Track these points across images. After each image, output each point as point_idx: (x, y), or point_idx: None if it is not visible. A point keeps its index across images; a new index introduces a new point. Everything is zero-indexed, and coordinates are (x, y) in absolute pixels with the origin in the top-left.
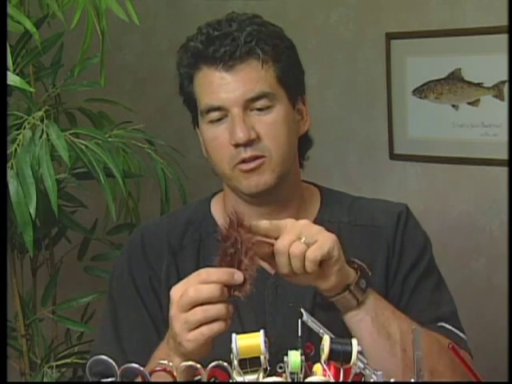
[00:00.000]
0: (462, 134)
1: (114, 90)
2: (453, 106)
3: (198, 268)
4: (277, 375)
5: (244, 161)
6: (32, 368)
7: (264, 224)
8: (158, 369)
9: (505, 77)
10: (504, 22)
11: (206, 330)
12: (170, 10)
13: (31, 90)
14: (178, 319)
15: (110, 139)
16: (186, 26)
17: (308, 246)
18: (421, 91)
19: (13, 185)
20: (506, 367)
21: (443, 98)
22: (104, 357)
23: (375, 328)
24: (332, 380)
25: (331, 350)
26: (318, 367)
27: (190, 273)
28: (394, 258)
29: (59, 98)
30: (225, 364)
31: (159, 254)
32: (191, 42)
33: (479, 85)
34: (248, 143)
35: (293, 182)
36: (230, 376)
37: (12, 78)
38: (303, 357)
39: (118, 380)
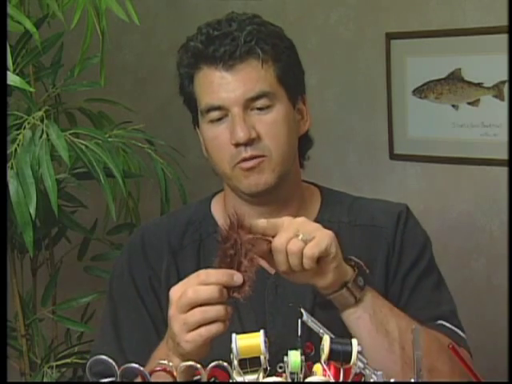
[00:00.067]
0: (462, 134)
1: (114, 90)
2: (453, 106)
3: (198, 268)
4: (277, 375)
5: (244, 160)
6: (32, 368)
7: (261, 223)
8: (157, 369)
9: (505, 77)
10: (504, 22)
11: (204, 331)
12: (170, 10)
13: (31, 89)
14: (177, 320)
15: (110, 139)
16: (186, 26)
17: (305, 243)
18: (421, 91)
19: (13, 185)
20: (506, 367)
21: (443, 98)
22: (104, 357)
23: (373, 325)
24: (332, 380)
25: (331, 350)
26: (318, 367)
27: (190, 273)
28: (393, 257)
29: (59, 98)
30: (225, 364)
31: (159, 254)
32: (191, 42)
33: (479, 85)
34: (248, 142)
35: (293, 182)
36: (230, 376)
37: (12, 78)
38: (303, 357)
39: (118, 380)
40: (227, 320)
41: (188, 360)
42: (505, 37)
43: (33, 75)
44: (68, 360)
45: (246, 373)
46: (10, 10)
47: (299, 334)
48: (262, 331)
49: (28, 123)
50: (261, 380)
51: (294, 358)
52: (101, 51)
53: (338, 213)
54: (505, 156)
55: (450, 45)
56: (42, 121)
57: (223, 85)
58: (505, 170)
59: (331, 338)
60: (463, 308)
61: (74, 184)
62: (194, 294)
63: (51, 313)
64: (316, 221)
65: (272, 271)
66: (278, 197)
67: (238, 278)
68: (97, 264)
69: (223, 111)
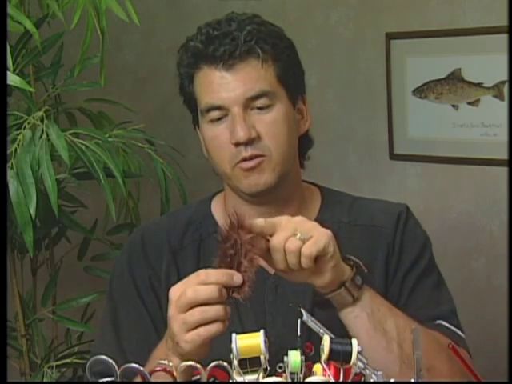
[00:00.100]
0: (462, 134)
1: (114, 90)
2: (453, 106)
3: (198, 268)
4: (277, 375)
5: (244, 159)
6: (32, 368)
7: (259, 222)
8: (157, 369)
9: (505, 77)
10: (504, 22)
11: (203, 331)
12: (170, 10)
13: (31, 89)
14: (176, 319)
15: (110, 139)
16: (186, 26)
17: (303, 241)
18: (421, 91)
19: (13, 185)
20: (506, 367)
21: (443, 98)
22: (104, 357)
23: (371, 324)
24: (332, 380)
25: (331, 350)
26: (318, 367)
27: (190, 273)
28: (393, 257)
29: (59, 98)
30: (225, 364)
31: (159, 254)
32: (191, 42)
33: (479, 85)
34: (248, 142)
35: (293, 182)
36: (230, 376)
37: (12, 78)
38: (303, 357)
39: (118, 380)
40: (226, 320)
41: (187, 360)
42: (505, 37)
43: (33, 75)
44: (68, 360)
45: (246, 373)
46: (10, 9)
47: (299, 333)
48: (262, 331)
49: (28, 123)
50: (261, 380)
51: (294, 357)
52: (101, 51)
53: (338, 213)
54: (505, 156)
55: (450, 45)
56: (42, 121)
57: (223, 84)
58: (505, 170)
59: (331, 338)
60: (463, 308)
61: (74, 184)
62: (194, 293)
63: (51, 313)
64: (316, 221)
65: (272, 271)
66: (278, 197)
67: (237, 278)
68: (97, 264)
69: (223, 111)
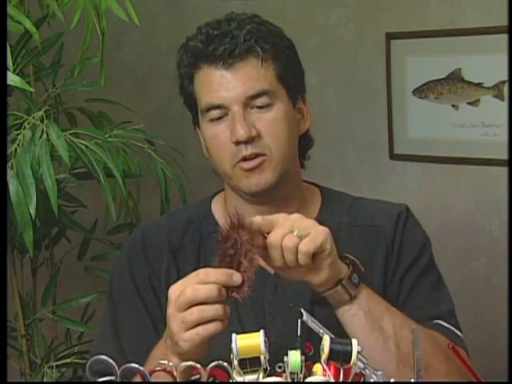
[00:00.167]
0: (462, 134)
1: (114, 90)
2: (453, 106)
3: (198, 267)
4: (276, 375)
5: (245, 158)
6: (32, 368)
7: (257, 219)
8: (157, 369)
9: (505, 77)
10: (504, 22)
11: (202, 331)
12: (170, 10)
13: (31, 89)
14: (175, 318)
15: (110, 139)
16: (186, 26)
17: (300, 238)
18: (421, 91)
19: (13, 185)
20: (506, 367)
21: (443, 98)
22: (104, 357)
23: (368, 323)
24: (332, 380)
25: (331, 350)
26: (318, 367)
27: (190, 272)
28: (392, 256)
29: (59, 98)
30: (225, 364)
31: (159, 253)
32: (191, 42)
33: (479, 85)
34: (249, 140)
35: (293, 182)
36: (229, 376)
37: (12, 78)
38: (303, 357)
39: (118, 380)
40: (225, 319)
41: (186, 359)
42: (505, 37)
43: (33, 75)
44: (68, 360)
45: (246, 373)
46: (10, 10)
47: (299, 334)
48: (262, 331)
49: (28, 123)
50: (261, 380)
51: (294, 357)
52: (101, 51)
53: (338, 213)
54: (505, 156)
55: (450, 45)
56: (42, 121)
57: (223, 83)
58: (505, 170)
59: (331, 338)
60: (463, 308)
61: (74, 184)
62: (193, 292)
63: (51, 313)
64: (316, 221)
65: (271, 271)
66: (278, 196)
67: (237, 277)
68: (97, 264)
69: (223, 110)
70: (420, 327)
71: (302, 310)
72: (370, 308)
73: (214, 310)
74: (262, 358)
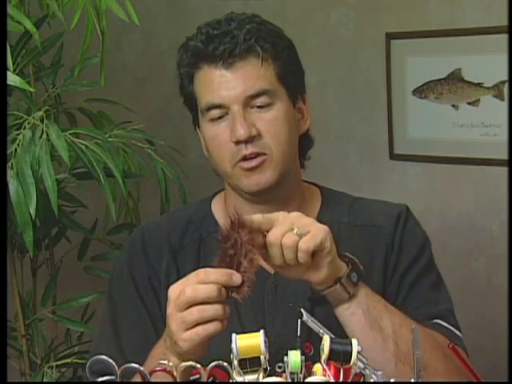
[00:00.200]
0: (462, 134)
1: (114, 90)
2: (453, 106)
3: (198, 267)
4: (276, 375)
5: (245, 158)
6: (32, 368)
7: (257, 218)
8: (157, 369)
9: (505, 77)
10: (504, 22)
11: (201, 330)
12: (170, 10)
13: (31, 89)
14: (175, 318)
15: (110, 139)
16: (185, 26)
17: (300, 237)
18: (421, 91)
19: (13, 185)
20: (506, 367)
21: (443, 98)
22: (104, 357)
23: (367, 321)
24: (332, 380)
25: (331, 350)
26: (318, 367)
27: (190, 272)
28: (392, 256)
29: (59, 98)
30: (225, 364)
31: (159, 253)
32: (191, 42)
33: (479, 85)
34: (249, 140)
35: (293, 181)
36: (229, 376)
37: (12, 78)
38: (303, 357)
39: (118, 380)
40: (225, 319)
41: (185, 359)
42: (505, 37)
43: (33, 75)
44: (68, 360)
45: (246, 373)
46: (10, 10)
47: (299, 334)
48: (262, 331)
49: (28, 123)
50: (261, 380)
51: (294, 357)
52: (101, 51)
53: (338, 213)
54: (505, 156)
55: (450, 45)
56: (42, 121)
57: (223, 83)
58: (505, 170)
59: (331, 338)
60: (463, 308)
61: (74, 184)
62: (193, 292)
63: (51, 313)
64: (316, 221)
65: (271, 271)
66: (278, 196)
67: (236, 278)
68: (97, 264)
69: (223, 109)
70: (419, 327)
71: (302, 310)
72: (368, 307)
73: (214, 309)
74: (261, 358)
